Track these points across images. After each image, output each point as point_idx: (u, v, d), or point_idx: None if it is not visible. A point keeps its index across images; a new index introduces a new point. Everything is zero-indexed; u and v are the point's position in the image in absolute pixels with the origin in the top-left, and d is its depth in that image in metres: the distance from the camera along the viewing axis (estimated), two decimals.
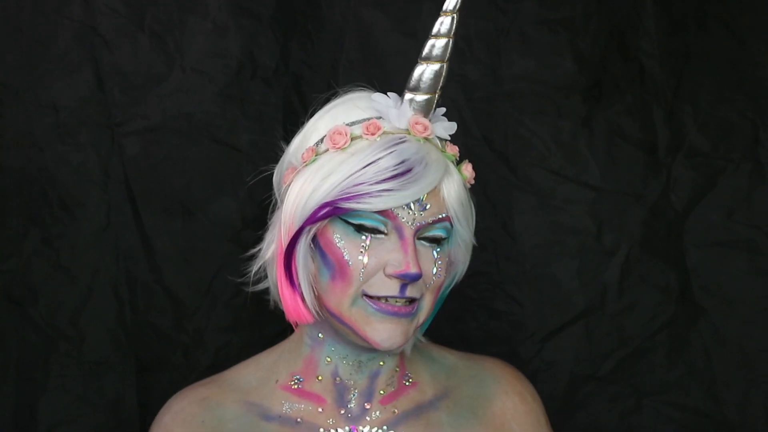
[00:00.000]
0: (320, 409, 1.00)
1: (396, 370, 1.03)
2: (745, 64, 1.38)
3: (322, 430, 0.99)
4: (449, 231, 0.96)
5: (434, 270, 0.95)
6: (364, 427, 1.00)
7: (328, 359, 1.00)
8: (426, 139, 0.95)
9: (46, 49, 1.31)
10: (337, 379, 1.00)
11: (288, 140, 1.02)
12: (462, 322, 1.38)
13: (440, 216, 0.94)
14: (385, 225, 0.93)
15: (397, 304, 0.93)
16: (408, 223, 0.92)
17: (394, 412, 1.01)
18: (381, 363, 1.01)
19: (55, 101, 1.31)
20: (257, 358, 1.07)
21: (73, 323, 1.31)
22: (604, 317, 1.38)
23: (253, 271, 1.03)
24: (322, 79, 1.37)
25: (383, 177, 0.91)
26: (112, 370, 1.32)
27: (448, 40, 0.95)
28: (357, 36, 1.37)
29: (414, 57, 0.95)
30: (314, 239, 0.95)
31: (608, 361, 1.38)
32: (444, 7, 0.94)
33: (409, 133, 0.95)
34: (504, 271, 1.39)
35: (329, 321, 0.97)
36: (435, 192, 0.94)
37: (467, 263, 1.02)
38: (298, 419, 1.00)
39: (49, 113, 1.31)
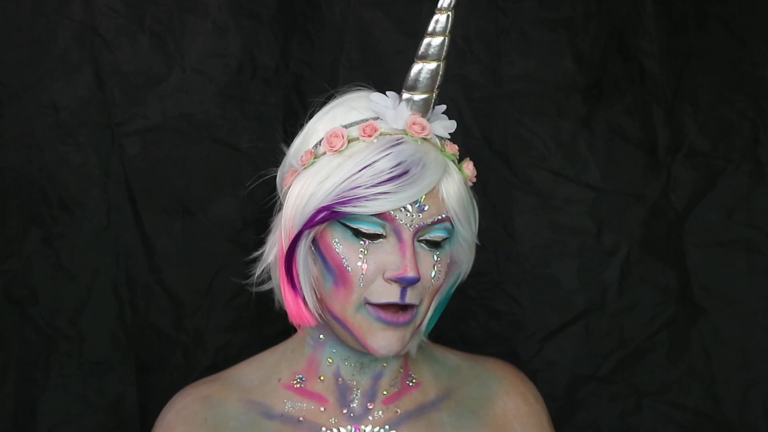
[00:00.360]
0: (322, 409, 1.00)
1: (400, 371, 1.03)
2: (745, 64, 1.38)
3: (324, 429, 0.99)
4: (450, 231, 0.95)
5: (433, 273, 0.94)
6: (366, 426, 1.00)
7: (330, 360, 1.00)
8: (424, 139, 0.95)
9: (46, 49, 1.31)
10: (340, 379, 1.00)
11: (288, 141, 1.02)
12: (462, 322, 1.38)
13: (440, 217, 0.93)
14: (384, 228, 0.92)
15: (398, 313, 0.93)
16: (406, 225, 0.92)
17: (397, 412, 1.01)
18: (384, 365, 1.01)
19: (55, 101, 1.31)
20: (260, 357, 1.07)
21: (73, 323, 1.31)
22: (604, 317, 1.38)
23: (257, 274, 1.03)
24: (322, 79, 1.36)
25: (380, 180, 0.90)
26: (112, 370, 1.32)
27: (444, 38, 0.94)
28: (357, 36, 1.37)
29: (414, 57, 0.95)
30: (316, 242, 0.95)
31: (608, 361, 1.38)
32: (439, 5, 0.93)
33: (407, 134, 0.95)
34: (504, 271, 1.39)
35: (331, 324, 0.97)
36: (434, 193, 0.93)
37: (471, 262, 1.02)
38: (300, 418, 1.00)
39: (49, 113, 1.31)
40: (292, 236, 0.94)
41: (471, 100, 1.38)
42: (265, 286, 1.04)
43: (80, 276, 1.31)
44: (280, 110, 1.36)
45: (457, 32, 1.38)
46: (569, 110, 1.39)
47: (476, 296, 1.38)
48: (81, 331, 1.31)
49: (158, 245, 1.33)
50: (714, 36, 1.38)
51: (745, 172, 1.37)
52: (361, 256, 0.92)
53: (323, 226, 0.94)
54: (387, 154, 0.91)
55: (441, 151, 0.96)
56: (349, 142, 0.94)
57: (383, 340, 0.93)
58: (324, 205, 0.92)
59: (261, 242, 1.02)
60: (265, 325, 1.32)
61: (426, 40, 0.94)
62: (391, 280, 0.91)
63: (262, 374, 1.04)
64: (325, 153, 0.95)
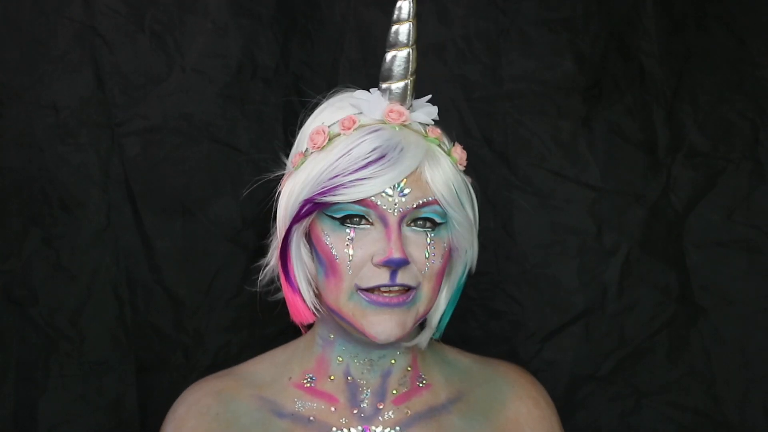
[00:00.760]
0: (333, 409, 1.00)
1: (408, 370, 1.03)
2: (745, 64, 1.38)
3: (334, 429, 0.99)
4: (442, 215, 0.95)
5: (426, 254, 0.94)
6: (377, 427, 1.00)
7: (340, 359, 1.01)
8: (404, 125, 0.95)
9: (46, 49, 1.31)
10: (349, 378, 1.01)
11: (288, 141, 1.03)
12: (462, 321, 1.38)
13: (425, 200, 0.94)
14: (369, 215, 0.93)
15: (391, 294, 0.93)
16: (389, 210, 0.92)
17: (407, 413, 1.01)
18: (392, 361, 1.01)
19: (55, 101, 1.31)
20: (272, 354, 1.07)
21: (73, 323, 1.31)
22: (604, 317, 1.38)
23: (266, 279, 1.05)
24: (322, 79, 1.37)
25: (358, 166, 0.91)
26: (112, 370, 1.32)
27: (410, 24, 0.95)
28: (357, 36, 1.37)
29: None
30: (309, 238, 0.96)
31: (608, 361, 1.38)
32: None
33: (385, 123, 0.95)
34: (504, 271, 1.39)
35: (333, 318, 0.98)
36: (416, 176, 0.93)
37: (475, 247, 1.01)
38: (311, 417, 1.00)
39: (49, 113, 1.31)
40: (284, 233, 0.95)
41: (471, 100, 1.38)
42: (280, 294, 1.04)
43: (80, 276, 1.31)
44: (280, 110, 1.36)
45: (457, 32, 1.38)
46: (569, 110, 1.39)
47: (476, 296, 1.38)
48: (81, 331, 1.31)
49: (158, 245, 1.33)
50: (714, 36, 1.38)
51: (745, 172, 1.37)
52: (348, 243, 0.93)
53: (311, 218, 0.95)
54: (363, 141, 0.93)
55: (424, 136, 0.97)
56: (330, 138, 0.95)
57: (379, 324, 0.92)
58: (308, 197, 0.93)
59: (262, 244, 1.03)
60: (265, 325, 1.32)
61: (393, 28, 0.95)
62: (380, 264, 0.91)
63: (274, 372, 1.04)
64: (312, 153, 0.96)
